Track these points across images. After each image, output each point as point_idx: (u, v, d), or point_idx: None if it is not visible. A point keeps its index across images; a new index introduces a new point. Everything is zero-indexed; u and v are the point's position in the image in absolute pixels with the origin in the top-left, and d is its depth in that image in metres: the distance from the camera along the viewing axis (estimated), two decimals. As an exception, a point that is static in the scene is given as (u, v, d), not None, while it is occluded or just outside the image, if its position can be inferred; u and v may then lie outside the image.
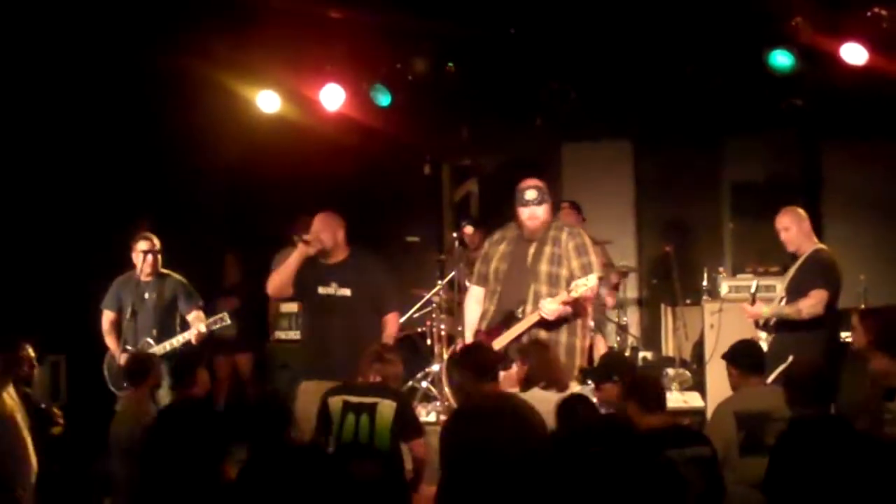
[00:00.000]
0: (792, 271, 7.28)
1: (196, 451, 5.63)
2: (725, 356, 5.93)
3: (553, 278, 6.71)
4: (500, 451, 4.98)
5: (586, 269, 6.67)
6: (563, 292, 6.54)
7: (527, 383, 5.88)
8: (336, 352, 6.64)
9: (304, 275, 6.82)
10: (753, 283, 7.71)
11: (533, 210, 6.76)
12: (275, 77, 8.87)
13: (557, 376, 5.90)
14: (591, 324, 8.50)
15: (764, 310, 7.15)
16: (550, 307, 6.50)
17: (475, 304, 6.97)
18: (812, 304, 6.89)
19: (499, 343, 6.61)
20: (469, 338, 6.86)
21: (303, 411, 6.39)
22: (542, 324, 6.57)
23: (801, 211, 7.33)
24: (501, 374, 6.25)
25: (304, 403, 6.54)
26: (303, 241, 6.75)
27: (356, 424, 5.64)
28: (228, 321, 7.58)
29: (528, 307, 6.65)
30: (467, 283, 7.37)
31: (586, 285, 6.49)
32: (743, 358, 5.84)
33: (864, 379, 6.05)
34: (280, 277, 6.89)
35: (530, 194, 6.75)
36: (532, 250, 6.79)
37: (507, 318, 6.71)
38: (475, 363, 5.46)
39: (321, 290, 6.80)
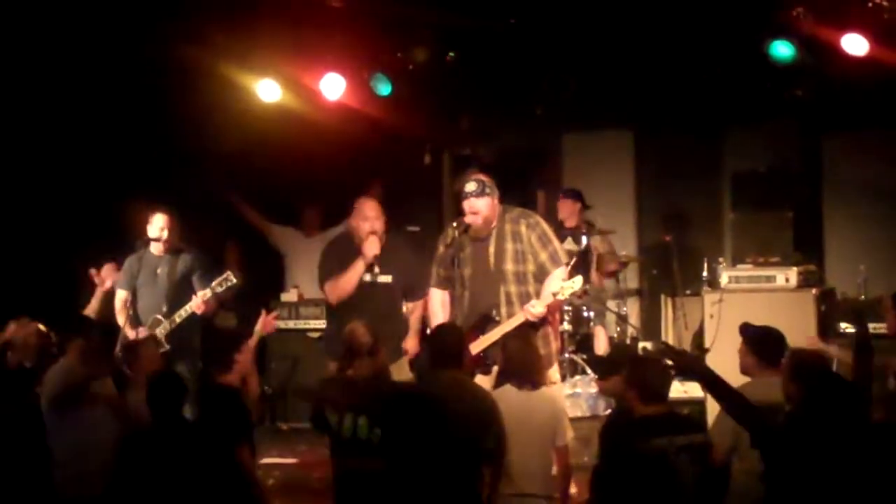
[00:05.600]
0: None
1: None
2: (750, 339, 5.65)
3: (520, 276, 6.45)
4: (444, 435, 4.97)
5: (555, 259, 6.47)
6: (549, 295, 6.33)
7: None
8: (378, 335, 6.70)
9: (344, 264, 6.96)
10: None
11: (472, 203, 6.39)
12: (275, 66, 8.86)
13: (532, 375, 5.67)
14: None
15: None
16: (538, 310, 6.29)
17: (440, 308, 6.70)
18: None
19: (477, 347, 6.38)
20: None
21: None
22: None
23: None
24: (480, 377, 6.22)
25: None
26: (373, 234, 6.89)
27: (354, 422, 5.56)
28: (234, 280, 7.40)
29: (503, 309, 6.43)
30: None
31: (573, 288, 6.34)
32: (768, 349, 5.56)
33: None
34: (347, 283, 6.96)
35: (469, 186, 6.41)
36: (492, 249, 6.48)
37: (481, 322, 6.44)
38: (436, 347, 5.46)
39: (363, 277, 6.97)
